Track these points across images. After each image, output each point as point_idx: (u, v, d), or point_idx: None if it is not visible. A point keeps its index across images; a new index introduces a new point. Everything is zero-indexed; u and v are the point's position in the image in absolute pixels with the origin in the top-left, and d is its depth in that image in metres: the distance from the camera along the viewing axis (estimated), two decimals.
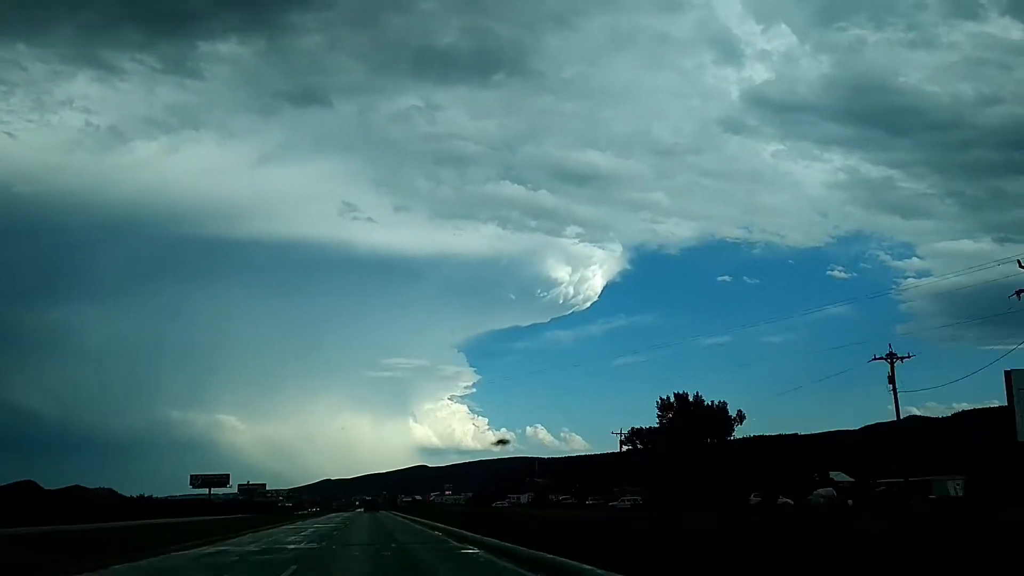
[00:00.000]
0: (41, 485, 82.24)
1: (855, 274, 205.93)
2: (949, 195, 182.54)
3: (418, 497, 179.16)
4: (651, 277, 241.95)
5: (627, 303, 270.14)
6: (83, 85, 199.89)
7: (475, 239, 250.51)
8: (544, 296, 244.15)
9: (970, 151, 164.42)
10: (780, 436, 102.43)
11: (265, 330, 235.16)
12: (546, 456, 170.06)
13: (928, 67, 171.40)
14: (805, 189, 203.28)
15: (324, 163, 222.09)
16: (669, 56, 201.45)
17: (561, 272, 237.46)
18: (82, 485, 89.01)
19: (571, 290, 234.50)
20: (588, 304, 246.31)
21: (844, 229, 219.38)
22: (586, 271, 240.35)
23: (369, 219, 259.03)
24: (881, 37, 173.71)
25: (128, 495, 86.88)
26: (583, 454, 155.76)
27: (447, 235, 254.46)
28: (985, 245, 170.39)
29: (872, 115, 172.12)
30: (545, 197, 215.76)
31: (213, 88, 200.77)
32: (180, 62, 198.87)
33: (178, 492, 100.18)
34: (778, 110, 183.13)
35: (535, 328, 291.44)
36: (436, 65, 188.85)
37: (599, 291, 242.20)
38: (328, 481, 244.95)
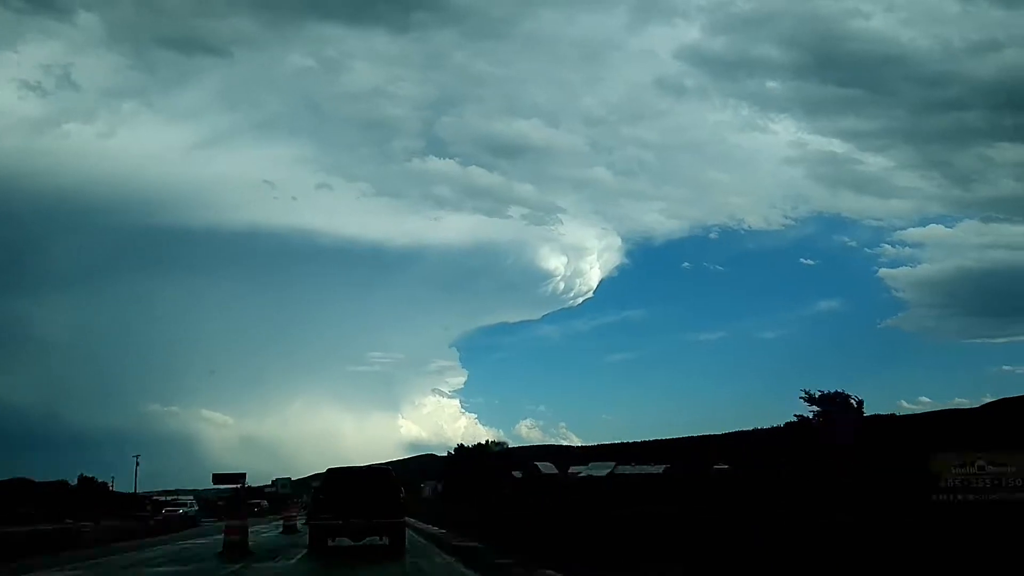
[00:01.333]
0: None
1: (820, 260, 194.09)
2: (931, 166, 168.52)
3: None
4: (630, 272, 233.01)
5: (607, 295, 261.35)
6: None
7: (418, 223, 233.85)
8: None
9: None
10: None
11: (240, 323, 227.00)
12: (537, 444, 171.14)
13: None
14: (760, 164, 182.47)
15: (243, 135, 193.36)
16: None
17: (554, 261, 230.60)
18: (29, 478, 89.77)
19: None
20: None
21: (806, 210, 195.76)
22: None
23: (293, 198, 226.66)
24: None
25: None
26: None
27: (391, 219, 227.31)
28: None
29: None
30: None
31: (85, 36, 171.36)
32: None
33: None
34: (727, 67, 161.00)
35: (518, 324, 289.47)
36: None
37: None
38: (317, 476, 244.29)
